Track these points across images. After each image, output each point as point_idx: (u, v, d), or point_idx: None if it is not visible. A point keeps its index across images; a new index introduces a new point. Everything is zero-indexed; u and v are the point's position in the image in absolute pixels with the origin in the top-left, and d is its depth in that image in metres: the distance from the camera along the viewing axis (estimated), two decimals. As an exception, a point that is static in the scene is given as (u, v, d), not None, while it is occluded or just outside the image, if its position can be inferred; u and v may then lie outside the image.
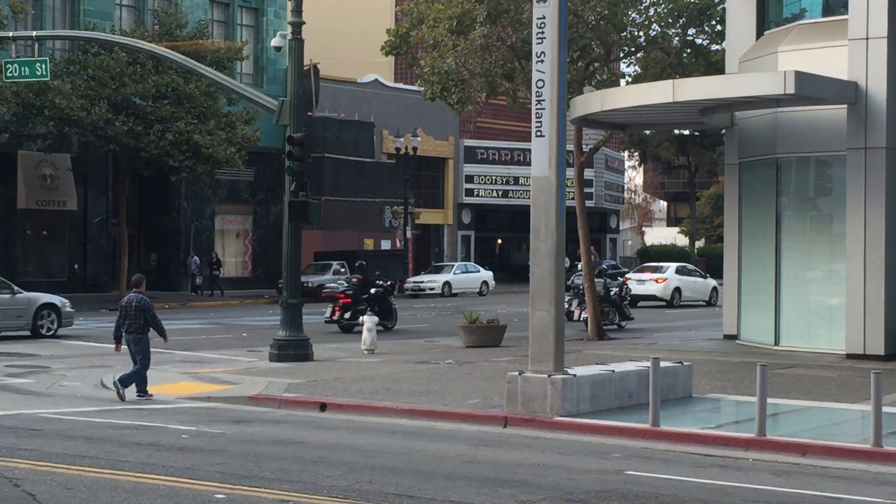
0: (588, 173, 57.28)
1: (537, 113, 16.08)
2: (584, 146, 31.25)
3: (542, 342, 16.01)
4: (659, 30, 30.46)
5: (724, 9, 29.05)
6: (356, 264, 33.96)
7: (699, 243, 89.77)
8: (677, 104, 23.96)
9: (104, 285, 47.85)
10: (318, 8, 49.15)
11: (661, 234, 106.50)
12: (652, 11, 30.10)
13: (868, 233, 23.38)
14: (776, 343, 25.43)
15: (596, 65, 30.07)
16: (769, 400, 14.81)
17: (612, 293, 33.31)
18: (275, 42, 48.79)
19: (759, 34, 26.97)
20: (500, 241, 73.36)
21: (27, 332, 29.21)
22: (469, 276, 56.16)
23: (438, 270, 56.57)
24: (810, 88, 22.41)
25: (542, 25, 16.03)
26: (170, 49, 30.65)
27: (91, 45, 41.88)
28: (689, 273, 47.82)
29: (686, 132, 79.62)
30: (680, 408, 16.88)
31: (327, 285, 37.54)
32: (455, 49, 28.36)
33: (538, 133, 16.05)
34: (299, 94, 24.50)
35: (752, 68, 25.73)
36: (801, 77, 21.73)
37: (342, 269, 49.11)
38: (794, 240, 25.53)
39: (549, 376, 15.73)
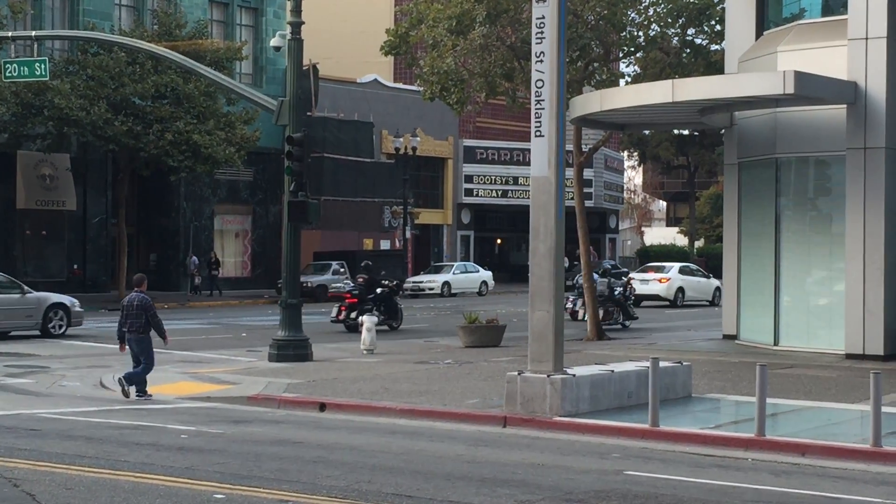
0: (587, 173, 57.26)
1: (536, 113, 16.08)
2: (583, 146, 31.23)
3: (541, 342, 16.01)
4: (658, 30, 30.43)
5: (723, 9, 29.05)
6: (362, 264, 34.09)
7: (698, 243, 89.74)
8: (677, 104, 23.96)
9: (103, 285, 47.82)
10: (317, 8, 49.10)
11: (660, 234, 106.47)
12: (651, 11, 30.08)
13: (867, 233, 23.37)
14: (775, 343, 25.42)
15: (595, 65, 30.07)
16: (768, 400, 14.80)
17: (616, 293, 33.34)
18: (274, 42, 48.68)
19: (759, 34, 26.97)
20: (499, 241, 73.33)
21: (37, 332, 29.23)
22: (468, 276, 56.14)
23: (438, 270, 56.56)
24: (810, 88, 22.41)
25: (542, 25, 16.03)
26: (169, 49, 30.64)
27: (90, 45, 41.87)
28: (692, 273, 47.79)
29: (685, 132, 79.59)
30: (679, 408, 16.87)
31: (332, 285, 37.84)
32: (454, 49, 28.35)
33: (537, 133, 16.05)
34: (298, 94, 24.49)
35: (752, 68, 25.72)
36: (800, 77, 21.72)
37: (342, 270, 49.11)
38: (793, 240, 25.53)
39: (548, 376, 15.73)
